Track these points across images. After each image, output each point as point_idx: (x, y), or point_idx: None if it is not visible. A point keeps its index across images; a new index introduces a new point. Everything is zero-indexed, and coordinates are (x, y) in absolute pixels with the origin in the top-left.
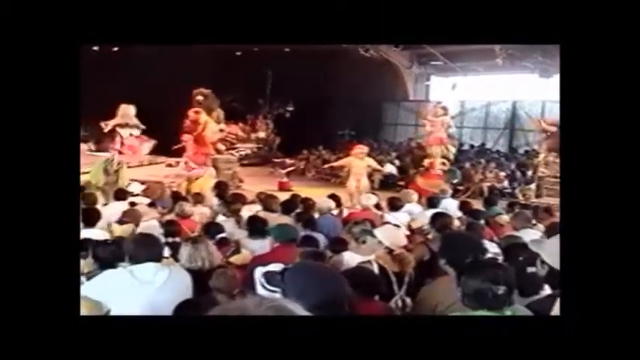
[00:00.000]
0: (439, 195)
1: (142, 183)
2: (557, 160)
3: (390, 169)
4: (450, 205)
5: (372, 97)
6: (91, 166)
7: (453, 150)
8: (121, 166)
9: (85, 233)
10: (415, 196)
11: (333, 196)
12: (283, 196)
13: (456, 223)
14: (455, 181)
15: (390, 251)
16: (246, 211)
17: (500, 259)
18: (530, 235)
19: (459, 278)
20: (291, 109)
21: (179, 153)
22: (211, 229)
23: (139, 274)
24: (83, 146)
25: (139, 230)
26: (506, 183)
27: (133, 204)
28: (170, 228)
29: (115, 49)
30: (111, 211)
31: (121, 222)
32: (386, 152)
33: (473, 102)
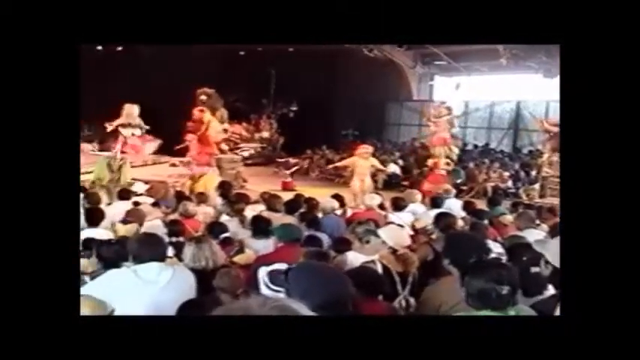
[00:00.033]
0: (443, 195)
1: (146, 182)
2: None
3: (393, 169)
4: (453, 205)
5: (375, 97)
6: (94, 165)
7: (456, 151)
8: (124, 162)
9: (89, 233)
10: (419, 196)
11: (336, 196)
12: (287, 196)
13: (460, 223)
14: (458, 181)
15: (394, 251)
16: (250, 211)
17: (504, 259)
18: (534, 235)
19: (463, 278)
20: (294, 108)
21: (183, 153)
22: (215, 228)
23: (143, 274)
24: (87, 146)
25: (142, 230)
26: (510, 183)
27: (136, 203)
28: (174, 228)
29: (120, 48)
30: (115, 210)
31: (125, 222)
32: (389, 152)
33: (477, 102)
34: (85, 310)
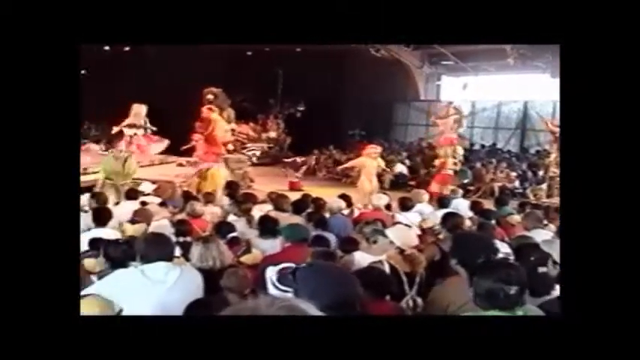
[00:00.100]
0: (450, 195)
1: (153, 182)
2: None
3: (400, 169)
4: (460, 205)
5: (382, 97)
6: (99, 166)
7: (461, 151)
8: (129, 155)
9: (97, 232)
10: (426, 196)
11: (343, 196)
12: (294, 196)
13: (467, 223)
14: (466, 181)
15: (402, 251)
16: (257, 211)
17: (512, 259)
18: (542, 235)
19: (471, 278)
20: (302, 108)
21: (190, 153)
22: (222, 228)
23: (150, 274)
24: (95, 146)
25: (150, 230)
26: (517, 183)
27: (144, 203)
28: (181, 227)
29: (127, 48)
30: (122, 210)
31: (133, 221)
32: (397, 152)
33: (484, 102)
34: (92, 309)
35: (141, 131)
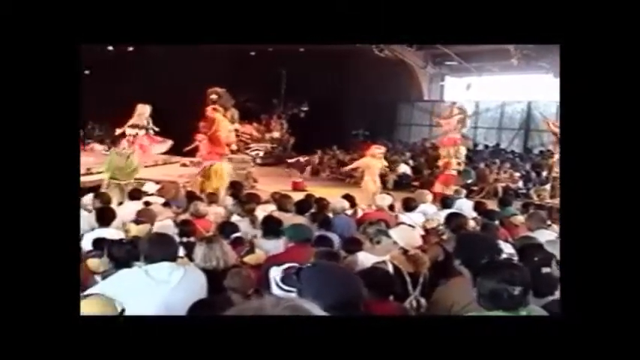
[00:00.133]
0: (453, 195)
1: (157, 182)
2: None
3: (404, 169)
4: (464, 206)
5: (386, 97)
6: (104, 165)
7: (464, 151)
8: (132, 152)
9: (100, 232)
10: (430, 197)
11: (347, 197)
12: (297, 196)
13: (471, 223)
14: (469, 181)
15: (405, 252)
16: (261, 211)
17: (515, 259)
18: (545, 235)
19: (475, 279)
20: (305, 109)
21: (193, 153)
22: (226, 228)
23: (154, 274)
24: (99, 146)
25: (153, 230)
26: (520, 183)
27: (147, 203)
28: (185, 228)
29: (131, 49)
30: (125, 210)
31: (137, 222)
32: (400, 152)
33: (487, 102)
34: (95, 309)
35: (143, 131)
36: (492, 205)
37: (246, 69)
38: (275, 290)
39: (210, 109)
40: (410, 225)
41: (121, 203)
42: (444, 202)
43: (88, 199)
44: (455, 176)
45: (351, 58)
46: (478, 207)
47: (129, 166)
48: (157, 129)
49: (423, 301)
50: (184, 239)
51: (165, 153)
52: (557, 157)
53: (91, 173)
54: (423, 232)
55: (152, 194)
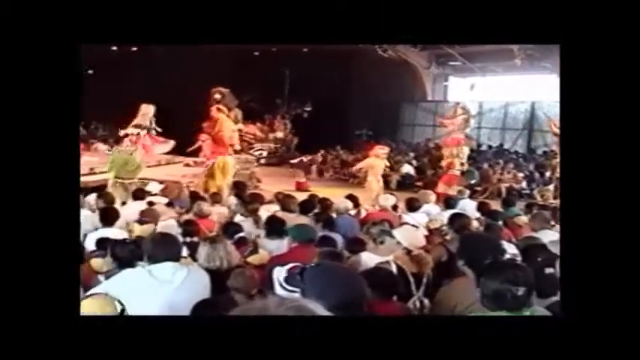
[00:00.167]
0: (457, 196)
1: (160, 182)
2: None
3: (407, 169)
4: (467, 206)
5: (390, 98)
6: (107, 164)
7: (467, 151)
8: (135, 149)
9: (104, 232)
10: (433, 197)
11: (350, 197)
12: (301, 197)
13: (475, 224)
14: (473, 181)
15: (409, 252)
16: (264, 211)
17: (519, 260)
18: (549, 236)
19: (478, 279)
20: (309, 109)
21: (196, 153)
22: (229, 228)
23: (158, 274)
24: (102, 146)
25: (157, 230)
26: (524, 184)
27: (151, 203)
28: (188, 228)
29: (134, 49)
30: (129, 210)
31: (141, 222)
32: (404, 153)
33: (491, 102)
34: (95, 309)
35: (145, 131)
36: (496, 205)
37: (249, 69)
38: (278, 290)
39: (214, 109)
40: (413, 225)
41: (124, 203)
42: (448, 202)
43: (91, 199)
44: (458, 176)
45: (355, 59)
46: (481, 207)
47: (132, 163)
48: (159, 129)
49: (426, 301)
50: (188, 239)
51: (168, 153)
52: None
53: (95, 173)
54: (426, 233)
55: (155, 194)
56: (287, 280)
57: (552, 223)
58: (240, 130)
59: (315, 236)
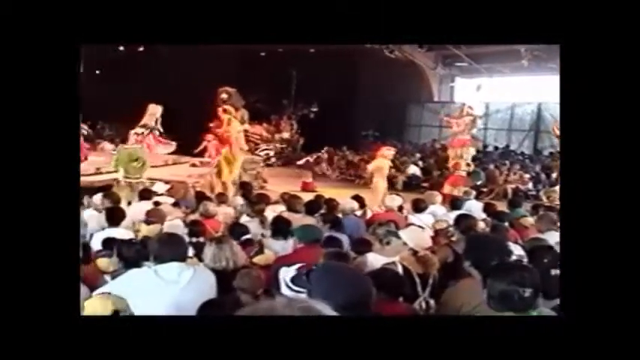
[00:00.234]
0: (463, 197)
1: (166, 182)
2: None
3: (413, 170)
4: (473, 207)
5: (396, 98)
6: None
7: (472, 152)
8: (140, 147)
9: (110, 232)
10: (439, 198)
11: (356, 197)
12: (307, 197)
13: (481, 225)
14: (479, 182)
15: (415, 253)
16: (270, 212)
17: (525, 261)
18: (555, 237)
19: (485, 280)
20: (315, 109)
21: (203, 153)
22: (236, 230)
23: (164, 274)
24: (109, 146)
25: (163, 230)
26: (530, 185)
27: (157, 204)
28: (194, 228)
29: (141, 49)
30: (135, 210)
31: (148, 222)
32: (410, 153)
33: (498, 103)
34: (98, 309)
35: (148, 131)
36: (502, 206)
37: (256, 70)
38: (284, 291)
39: (221, 110)
40: (419, 226)
41: (129, 203)
42: (454, 203)
43: (97, 199)
44: (464, 177)
45: (361, 59)
46: (488, 208)
47: (138, 160)
48: (161, 130)
49: (432, 302)
50: (194, 239)
51: (173, 153)
52: None
53: (101, 173)
54: (432, 234)
55: (162, 194)
56: (293, 280)
57: (558, 224)
58: (246, 131)
59: (320, 237)
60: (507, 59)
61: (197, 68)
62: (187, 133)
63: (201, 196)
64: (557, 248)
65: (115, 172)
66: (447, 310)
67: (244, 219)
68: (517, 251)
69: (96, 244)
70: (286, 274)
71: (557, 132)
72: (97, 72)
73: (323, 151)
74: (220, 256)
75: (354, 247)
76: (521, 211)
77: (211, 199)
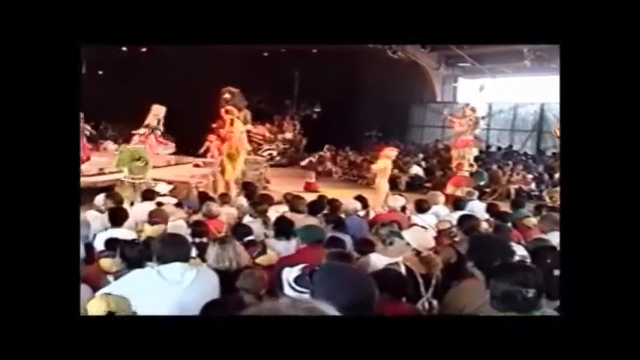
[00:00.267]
0: (466, 197)
1: (169, 183)
2: None
3: (416, 170)
4: (476, 208)
5: (399, 99)
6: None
7: (476, 152)
8: (143, 147)
9: (113, 233)
10: (442, 198)
11: (359, 198)
12: (310, 197)
13: (484, 225)
14: (482, 183)
15: (418, 253)
16: (273, 212)
17: (528, 261)
18: (558, 238)
19: (488, 281)
20: (318, 110)
21: (206, 154)
22: (239, 230)
23: (167, 274)
24: (112, 146)
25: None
26: (533, 185)
27: (160, 204)
28: (197, 228)
29: (144, 49)
30: (138, 210)
31: (151, 222)
32: (413, 154)
33: (500, 104)
34: (102, 308)
35: (149, 131)
36: (505, 207)
37: (259, 70)
38: (288, 291)
39: (224, 111)
40: (422, 226)
41: (132, 203)
42: (457, 203)
43: (100, 199)
44: (467, 178)
45: (364, 60)
46: (491, 209)
47: (141, 159)
48: (162, 129)
49: (435, 302)
50: (197, 240)
51: (174, 153)
52: None
53: (104, 173)
54: (435, 234)
55: (164, 195)
56: (297, 280)
57: None
58: (248, 131)
59: (323, 237)
60: (510, 60)
61: (200, 69)
62: (190, 133)
63: (204, 197)
64: None
65: (118, 172)
66: (450, 311)
67: (247, 219)
68: (520, 252)
69: (99, 245)
70: (289, 274)
71: (558, 133)
72: (100, 72)
73: (325, 149)
74: (223, 256)
75: (356, 247)
76: (524, 211)
77: (214, 200)
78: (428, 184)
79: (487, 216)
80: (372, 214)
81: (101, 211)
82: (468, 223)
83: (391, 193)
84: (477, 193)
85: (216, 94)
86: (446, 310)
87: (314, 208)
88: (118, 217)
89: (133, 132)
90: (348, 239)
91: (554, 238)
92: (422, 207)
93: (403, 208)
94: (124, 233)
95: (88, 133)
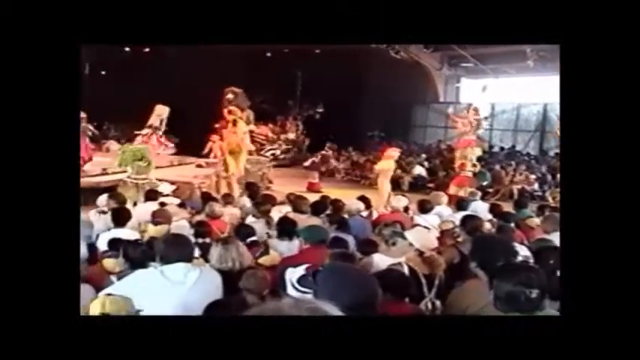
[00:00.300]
0: (469, 197)
1: (172, 183)
2: None
3: (419, 171)
4: (479, 208)
5: (402, 99)
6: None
7: (479, 153)
8: (145, 147)
9: (116, 233)
10: (445, 199)
11: (362, 198)
12: (313, 198)
13: (487, 225)
14: (485, 183)
15: (421, 253)
16: (276, 212)
17: (531, 262)
18: None
19: (491, 281)
20: (320, 110)
21: (208, 154)
22: (242, 231)
23: (170, 274)
24: (115, 146)
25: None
26: (536, 186)
27: (163, 204)
28: (200, 229)
29: (147, 49)
30: (141, 211)
31: (155, 223)
32: (415, 154)
33: (503, 104)
34: (106, 309)
35: (151, 131)
36: (508, 207)
37: (261, 70)
38: (290, 291)
39: (227, 111)
40: (425, 227)
41: (135, 203)
42: (460, 204)
43: (103, 200)
44: (470, 178)
45: (367, 60)
46: (493, 209)
47: (143, 159)
48: (163, 129)
49: (438, 303)
50: (200, 240)
51: (176, 153)
52: None
53: (107, 173)
54: (438, 234)
55: (167, 195)
56: (300, 281)
57: None
58: (251, 132)
59: (326, 237)
60: (513, 60)
61: (202, 69)
62: (193, 133)
63: (207, 197)
64: None
65: (121, 172)
66: (453, 311)
67: (250, 220)
68: (523, 252)
69: (102, 245)
70: (292, 274)
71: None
72: (103, 73)
73: (326, 147)
74: (226, 256)
75: (359, 247)
76: (527, 211)
77: (217, 200)
78: (431, 185)
79: (490, 216)
80: (375, 215)
81: (104, 212)
82: (470, 223)
83: (394, 193)
84: (479, 193)
85: (218, 94)
86: (449, 310)
87: (317, 209)
88: (121, 217)
89: (136, 132)
90: (351, 239)
91: (557, 238)
92: (425, 207)
93: (406, 209)
94: (127, 233)
95: (90, 133)
